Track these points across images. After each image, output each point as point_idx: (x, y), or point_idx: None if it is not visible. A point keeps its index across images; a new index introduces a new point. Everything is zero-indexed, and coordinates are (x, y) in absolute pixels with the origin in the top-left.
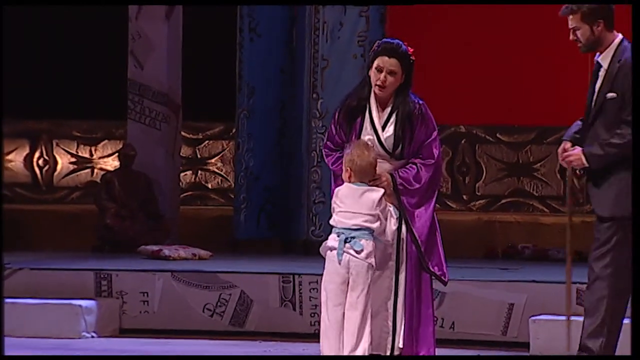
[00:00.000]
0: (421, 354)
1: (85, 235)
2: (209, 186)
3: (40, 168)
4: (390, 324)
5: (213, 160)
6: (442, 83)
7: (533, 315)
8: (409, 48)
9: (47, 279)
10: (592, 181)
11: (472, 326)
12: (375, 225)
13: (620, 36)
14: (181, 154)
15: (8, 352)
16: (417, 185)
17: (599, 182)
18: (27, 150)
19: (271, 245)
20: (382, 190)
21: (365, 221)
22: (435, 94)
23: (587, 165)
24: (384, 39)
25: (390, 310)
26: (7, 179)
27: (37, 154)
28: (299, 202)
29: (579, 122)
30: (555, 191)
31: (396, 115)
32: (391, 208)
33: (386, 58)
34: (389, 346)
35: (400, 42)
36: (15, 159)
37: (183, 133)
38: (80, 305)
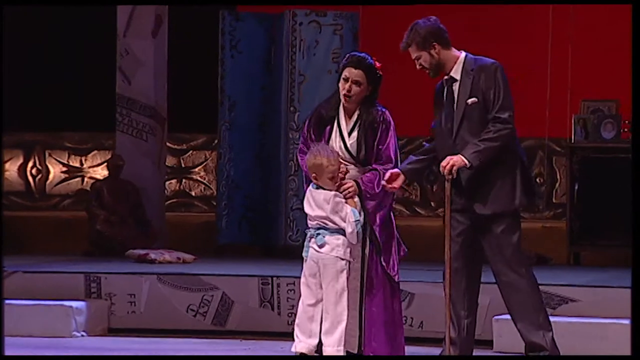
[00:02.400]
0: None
1: (76, 240)
2: (193, 194)
3: (34, 177)
4: (357, 323)
5: (197, 170)
6: (411, 96)
7: (496, 315)
8: (377, 63)
9: (40, 281)
10: (471, 183)
11: (439, 325)
12: (331, 227)
13: (463, 52)
14: (167, 163)
15: (5, 350)
16: (378, 190)
17: (478, 183)
18: (21, 160)
19: (251, 250)
20: (332, 193)
21: (323, 220)
22: (404, 106)
23: (468, 163)
24: (353, 52)
25: (357, 312)
26: None
27: (30, 164)
28: (277, 209)
29: (413, 157)
30: None
31: (360, 123)
32: (349, 210)
33: (352, 69)
34: (357, 344)
35: (368, 56)
36: (10, 169)
37: (168, 144)
38: (71, 306)
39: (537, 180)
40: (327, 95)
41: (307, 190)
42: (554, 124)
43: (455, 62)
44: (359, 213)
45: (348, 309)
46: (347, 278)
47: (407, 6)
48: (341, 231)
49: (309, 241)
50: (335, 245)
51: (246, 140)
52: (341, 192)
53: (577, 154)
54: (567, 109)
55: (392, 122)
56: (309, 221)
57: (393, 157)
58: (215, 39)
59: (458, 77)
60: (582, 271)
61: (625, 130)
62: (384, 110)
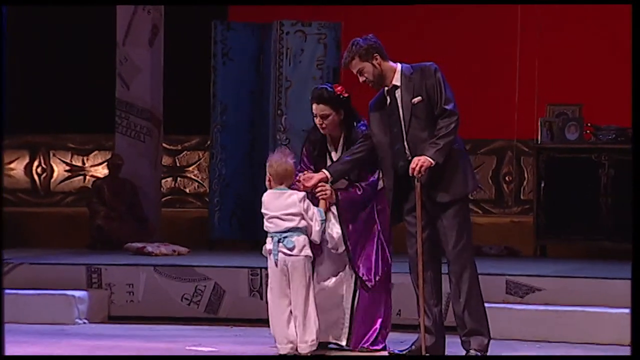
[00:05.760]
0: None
1: (78, 235)
2: (187, 191)
3: (39, 175)
4: (347, 316)
5: (190, 169)
6: None
7: None
8: (337, 88)
9: (44, 272)
10: (427, 177)
11: (415, 312)
12: (303, 223)
13: (399, 64)
14: (162, 162)
15: (13, 337)
16: (356, 198)
17: (433, 175)
18: (27, 160)
19: (241, 243)
20: (303, 193)
21: (293, 221)
22: None
23: (434, 162)
24: (317, 86)
25: (348, 305)
26: (9, 185)
27: (36, 163)
28: None
29: (344, 158)
30: (488, 195)
31: (345, 147)
32: (315, 210)
33: (315, 104)
34: (345, 336)
35: (327, 87)
36: (17, 168)
37: (164, 145)
38: (73, 296)
39: (506, 178)
40: None
41: (266, 194)
42: (522, 126)
43: (394, 73)
44: (324, 214)
45: (330, 305)
46: (311, 274)
47: (386, 16)
48: (302, 230)
49: (276, 245)
50: (302, 245)
51: (237, 141)
52: (316, 193)
53: (543, 154)
54: (534, 112)
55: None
56: (271, 225)
57: (376, 173)
58: (208, 47)
59: (399, 83)
60: (548, 262)
61: (588, 132)
62: (364, 129)
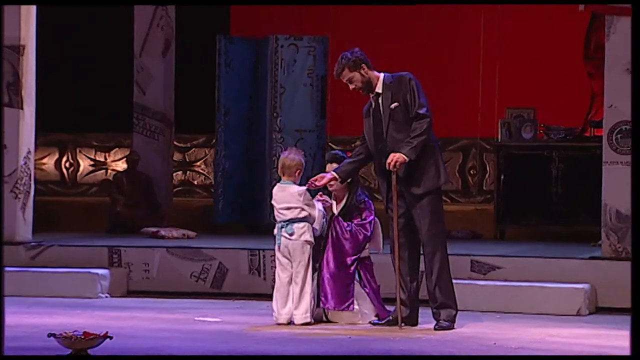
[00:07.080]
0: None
1: (100, 220)
2: (195, 183)
3: (67, 169)
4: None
5: (198, 163)
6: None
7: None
8: (348, 153)
9: (71, 253)
10: (404, 171)
11: (393, 287)
12: (303, 214)
13: (382, 73)
14: (173, 158)
15: (43, 308)
16: (345, 227)
17: (410, 169)
18: (57, 156)
19: (241, 228)
20: (303, 188)
21: (293, 212)
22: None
23: (407, 158)
24: (332, 151)
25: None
26: (40, 178)
27: (64, 158)
28: (262, 195)
29: (346, 160)
30: (455, 187)
31: (345, 209)
32: (320, 207)
33: (329, 164)
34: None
35: (341, 153)
36: (48, 162)
37: (175, 142)
38: (97, 273)
39: (471, 171)
40: (303, 103)
41: (279, 187)
42: (484, 126)
43: (378, 80)
44: (326, 212)
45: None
46: (310, 256)
47: (369, 30)
48: (301, 220)
49: (280, 231)
50: (302, 231)
51: (237, 139)
52: (321, 199)
53: (503, 150)
54: (494, 114)
55: (371, 205)
56: (277, 214)
57: (370, 230)
58: (213, 58)
59: (381, 91)
60: (507, 244)
61: (541, 131)
62: (366, 199)
